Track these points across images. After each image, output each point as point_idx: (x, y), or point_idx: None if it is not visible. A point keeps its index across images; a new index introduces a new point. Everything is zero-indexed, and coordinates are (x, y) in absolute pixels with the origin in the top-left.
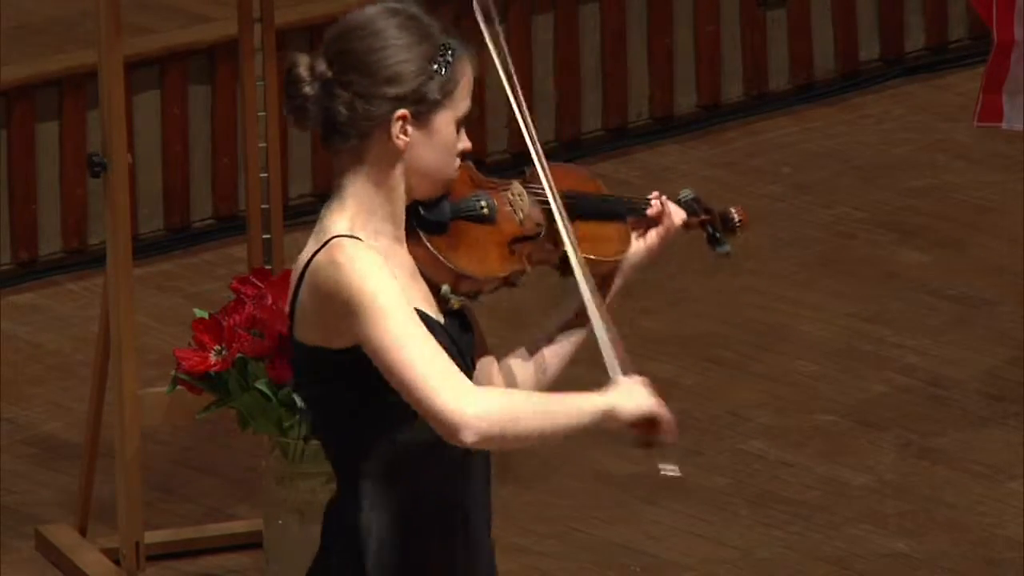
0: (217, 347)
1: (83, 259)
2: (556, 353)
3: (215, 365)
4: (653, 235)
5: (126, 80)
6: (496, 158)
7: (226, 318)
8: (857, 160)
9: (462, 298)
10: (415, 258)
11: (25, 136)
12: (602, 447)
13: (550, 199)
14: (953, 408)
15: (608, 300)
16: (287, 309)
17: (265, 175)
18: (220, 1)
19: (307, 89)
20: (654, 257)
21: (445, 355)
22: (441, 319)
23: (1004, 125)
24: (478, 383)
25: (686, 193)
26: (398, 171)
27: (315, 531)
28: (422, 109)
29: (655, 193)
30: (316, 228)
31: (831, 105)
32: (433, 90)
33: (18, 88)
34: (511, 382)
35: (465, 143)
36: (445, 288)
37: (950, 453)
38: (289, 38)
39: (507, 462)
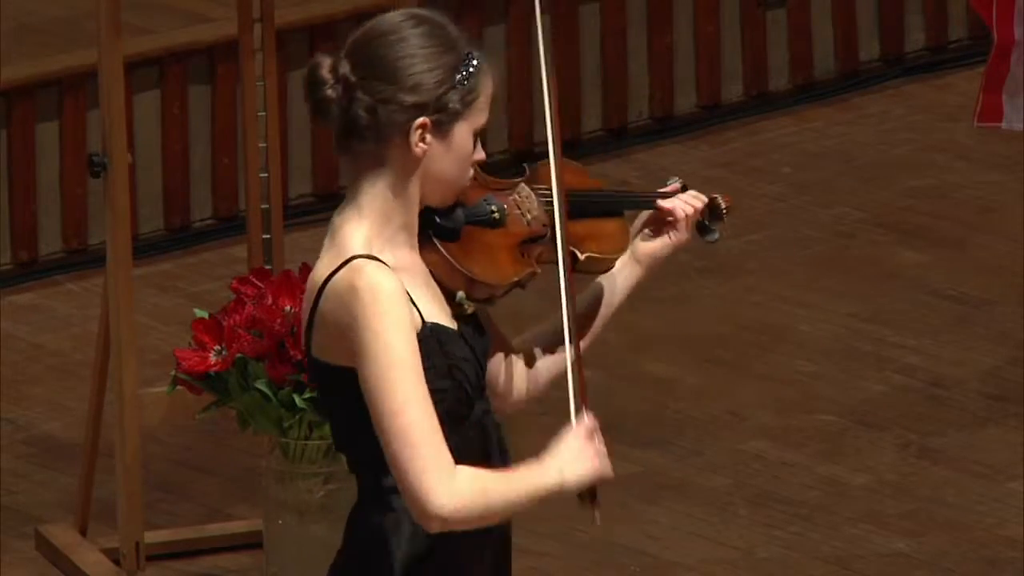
0: (217, 347)
1: (83, 259)
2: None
3: (215, 365)
4: (681, 227)
5: (126, 80)
6: (496, 159)
7: (226, 318)
8: (857, 160)
9: (476, 303)
10: (429, 264)
11: (25, 136)
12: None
13: (555, 200)
14: (953, 408)
15: (628, 293)
16: (304, 326)
17: (265, 175)
18: (220, 1)
19: (329, 92)
20: (678, 249)
21: (437, 432)
22: (455, 326)
23: (1004, 125)
24: (500, 383)
25: (672, 181)
26: (415, 178)
27: (315, 531)
28: (442, 119)
29: (672, 185)
30: (330, 235)
31: (831, 105)
32: (454, 100)
33: (18, 88)
34: (533, 374)
35: (480, 154)
36: (460, 295)
37: (950, 453)
38: (289, 38)
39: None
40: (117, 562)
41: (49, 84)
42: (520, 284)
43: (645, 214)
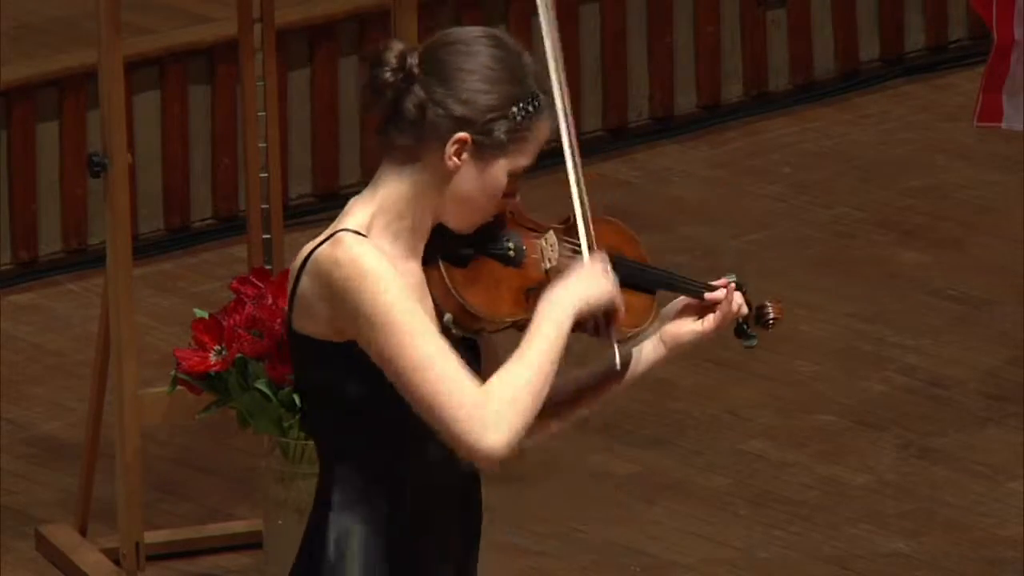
0: (217, 347)
1: (83, 259)
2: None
3: (215, 365)
4: (710, 320)
5: (126, 80)
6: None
7: (226, 318)
8: (857, 160)
9: (463, 331)
10: (429, 279)
11: (25, 136)
12: (602, 447)
13: (584, 254)
14: (953, 408)
15: (646, 370)
16: (287, 300)
17: (265, 175)
18: (220, 1)
19: (388, 75)
20: (704, 342)
21: (460, 369)
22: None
23: (1004, 125)
24: None
25: (731, 277)
26: (439, 189)
27: None
28: (485, 143)
29: (723, 280)
30: (339, 215)
31: (831, 105)
32: (501, 130)
33: (18, 88)
34: None
35: (512, 196)
36: (448, 317)
37: (950, 453)
38: (289, 38)
39: (507, 462)
40: (117, 562)
41: (49, 84)
42: (515, 326)
43: (687, 299)
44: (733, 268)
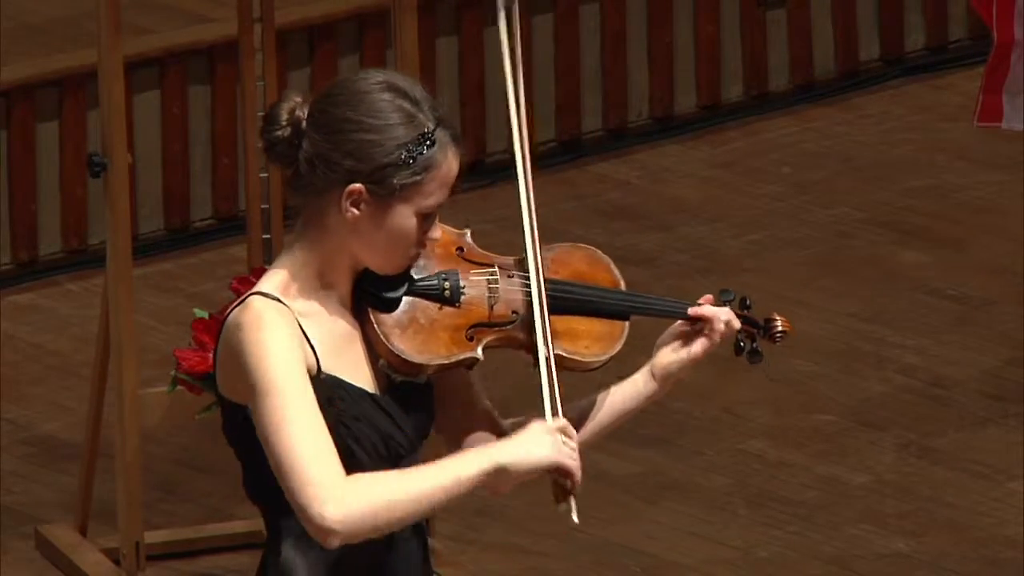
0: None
1: (83, 259)
2: None
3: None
4: (698, 344)
5: (126, 80)
6: (497, 158)
7: None
8: (857, 160)
9: (403, 375)
10: (363, 326)
11: (25, 136)
12: (602, 447)
13: (532, 287)
14: (953, 408)
15: (642, 405)
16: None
17: (265, 175)
18: (220, 1)
19: (278, 132)
20: (695, 365)
21: (328, 442)
22: (372, 388)
23: (1004, 125)
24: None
25: (727, 295)
26: (344, 241)
27: None
28: (380, 192)
29: (707, 297)
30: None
31: (831, 105)
32: (396, 177)
33: (18, 88)
34: None
35: (434, 233)
36: (383, 362)
37: (950, 453)
38: (289, 38)
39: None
40: (117, 562)
41: (49, 84)
42: (460, 365)
43: (677, 324)
44: (733, 267)
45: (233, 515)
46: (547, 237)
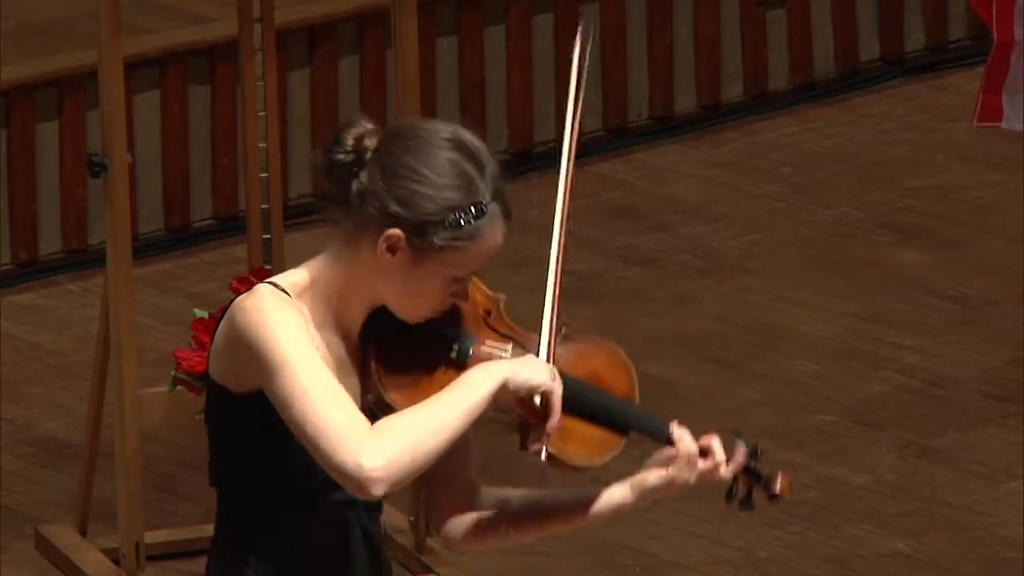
0: None
1: (83, 259)
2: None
3: None
4: (673, 469)
5: (126, 80)
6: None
7: None
8: (857, 160)
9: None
10: (363, 356)
11: (25, 136)
12: None
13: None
14: (953, 408)
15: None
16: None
17: (265, 175)
18: (220, 1)
19: (341, 156)
20: (674, 492)
21: (349, 402)
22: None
23: (1004, 125)
24: (437, 507)
25: (745, 440)
26: (370, 278)
27: None
28: (418, 244)
29: (675, 427)
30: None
31: (831, 105)
32: (436, 235)
33: (18, 88)
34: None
35: (461, 298)
36: (370, 397)
37: (950, 453)
38: (289, 38)
39: (508, 461)
40: (117, 562)
41: (49, 84)
42: None
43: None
44: (733, 267)
45: None
46: (547, 237)
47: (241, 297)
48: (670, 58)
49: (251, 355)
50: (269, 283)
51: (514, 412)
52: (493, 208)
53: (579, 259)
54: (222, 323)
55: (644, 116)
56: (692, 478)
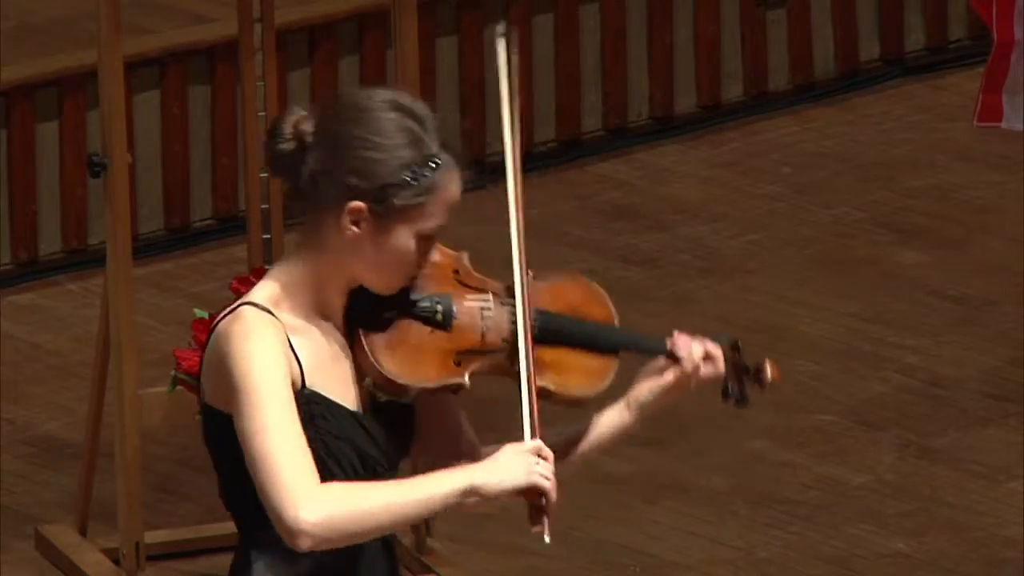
0: None
1: (83, 259)
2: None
3: None
4: (670, 374)
5: (126, 80)
6: (497, 159)
7: None
8: (857, 160)
9: (387, 395)
10: (352, 343)
11: (25, 136)
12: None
13: (519, 317)
14: (953, 408)
15: (613, 439)
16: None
17: (265, 175)
18: (220, 1)
19: (283, 145)
20: (671, 401)
21: (305, 450)
22: (355, 407)
23: (1004, 125)
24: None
25: (723, 337)
26: (342, 258)
27: None
28: (381, 211)
29: (678, 336)
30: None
31: (831, 105)
32: (398, 197)
33: (18, 88)
34: None
35: (432, 256)
36: (368, 381)
37: (950, 453)
38: (289, 38)
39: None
40: (117, 562)
41: (49, 84)
42: (446, 390)
43: (660, 361)
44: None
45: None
46: (547, 237)
47: (225, 321)
48: (670, 58)
49: (227, 380)
50: (248, 302)
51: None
52: (445, 158)
53: (579, 259)
54: (208, 346)
55: (644, 116)
56: (695, 382)
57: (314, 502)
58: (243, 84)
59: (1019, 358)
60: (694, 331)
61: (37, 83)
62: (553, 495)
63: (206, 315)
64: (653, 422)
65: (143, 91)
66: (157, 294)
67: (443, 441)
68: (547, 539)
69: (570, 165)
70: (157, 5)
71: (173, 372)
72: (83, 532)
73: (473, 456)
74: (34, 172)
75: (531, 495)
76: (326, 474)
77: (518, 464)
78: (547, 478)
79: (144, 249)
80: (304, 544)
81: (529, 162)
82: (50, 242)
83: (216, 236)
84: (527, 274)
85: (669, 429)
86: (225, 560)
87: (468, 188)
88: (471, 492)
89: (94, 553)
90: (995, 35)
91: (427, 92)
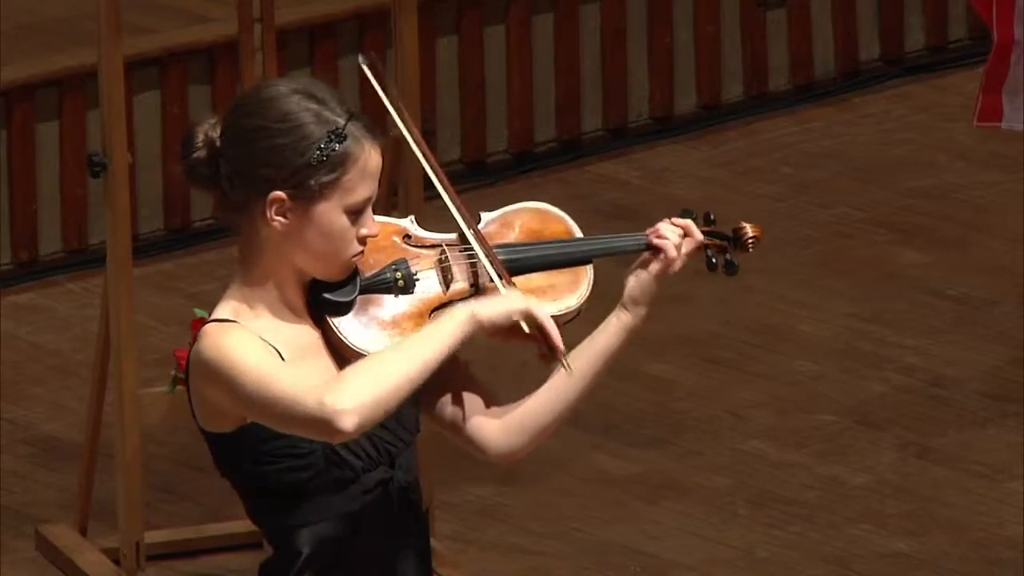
0: None
1: (83, 259)
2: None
3: None
4: (657, 263)
5: (126, 80)
6: (497, 158)
7: None
8: (857, 160)
9: None
10: (325, 334)
11: (25, 136)
12: (602, 447)
13: (479, 256)
14: (953, 408)
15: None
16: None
17: None
18: (220, 1)
19: (195, 155)
20: (660, 283)
21: (306, 379)
22: None
23: (1004, 125)
24: (473, 439)
25: (688, 213)
26: (281, 254)
27: None
28: (301, 195)
29: (654, 228)
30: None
31: (831, 105)
32: (314, 178)
33: (18, 88)
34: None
35: (369, 228)
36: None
37: (950, 453)
38: (289, 38)
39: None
40: (117, 562)
41: (49, 84)
42: None
43: (642, 256)
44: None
45: (233, 515)
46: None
47: (195, 348)
48: (670, 58)
49: (220, 382)
50: (211, 321)
51: (520, 343)
52: (352, 128)
53: None
54: (190, 373)
55: (644, 116)
56: (679, 263)
57: (333, 388)
58: (243, 84)
59: (1019, 358)
60: (694, 330)
61: (37, 83)
62: (554, 329)
63: (206, 315)
64: (653, 422)
65: (143, 91)
66: (157, 294)
67: (458, 398)
68: (570, 367)
69: (570, 165)
70: (157, 5)
71: (173, 372)
72: (83, 532)
73: (494, 402)
74: (34, 172)
75: (529, 338)
76: (343, 467)
77: (514, 295)
78: (544, 312)
79: (144, 249)
80: (348, 422)
81: (529, 162)
82: (50, 242)
83: (216, 236)
84: (475, 217)
85: (669, 429)
86: (225, 560)
87: (467, 188)
88: (475, 322)
89: (94, 553)
90: (995, 35)
91: (427, 92)
